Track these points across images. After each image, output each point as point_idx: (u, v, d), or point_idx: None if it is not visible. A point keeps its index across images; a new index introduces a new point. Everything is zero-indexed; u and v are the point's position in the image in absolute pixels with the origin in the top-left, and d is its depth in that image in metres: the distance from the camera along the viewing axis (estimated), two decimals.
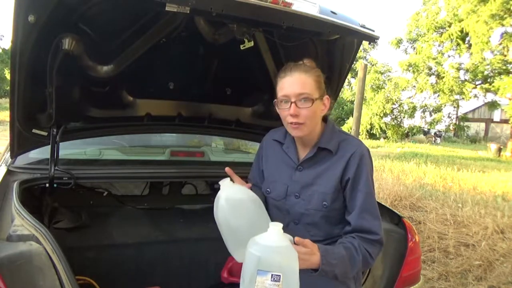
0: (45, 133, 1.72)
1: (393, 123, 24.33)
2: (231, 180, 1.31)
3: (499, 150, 18.20)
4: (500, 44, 17.75)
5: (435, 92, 21.00)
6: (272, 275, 1.00)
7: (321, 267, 1.12)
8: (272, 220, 1.43)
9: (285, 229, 1.35)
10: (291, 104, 1.25)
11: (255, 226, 1.13)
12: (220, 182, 1.26)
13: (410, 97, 23.01)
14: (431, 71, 20.93)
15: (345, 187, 1.30)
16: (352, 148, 1.31)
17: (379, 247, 1.28)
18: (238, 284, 1.11)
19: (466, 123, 26.05)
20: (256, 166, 1.55)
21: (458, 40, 19.07)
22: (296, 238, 1.07)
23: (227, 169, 1.35)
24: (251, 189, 1.38)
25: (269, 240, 1.04)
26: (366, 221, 1.26)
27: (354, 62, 2.04)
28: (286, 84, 1.27)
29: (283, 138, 1.44)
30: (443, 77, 19.84)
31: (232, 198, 1.24)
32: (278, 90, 1.30)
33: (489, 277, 3.18)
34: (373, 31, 1.54)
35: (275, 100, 1.33)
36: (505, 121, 24.98)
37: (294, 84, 1.25)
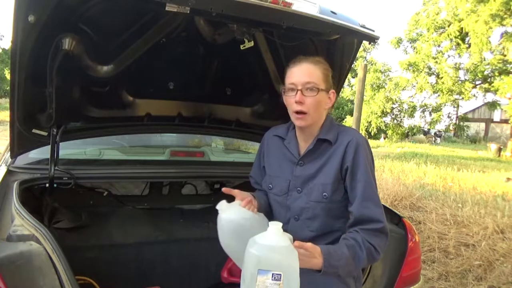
0: (45, 133, 1.72)
1: (393, 123, 24.33)
2: (230, 200, 1.32)
3: (499, 150, 18.19)
4: (500, 44, 17.75)
5: (435, 92, 21.01)
6: (272, 274, 1.01)
7: (323, 270, 1.12)
8: (274, 216, 1.43)
9: (286, 226, 1.35)
10: (297, 91, 1.29)
11: None
12: (217, 206, 1.27)
13: (410, 97, 23.04)
14: (431, 70, 20.94)
15: (345, 177, 1.31)
16: (349, 137, 1.33)
17: (384, 238, 1.27)
18: (238, 284, 1.11)
19: (466, 123, 26.04)
20: (257, 163, 1.56)
21: (458, 40, 19.08)
22: (296, 243, 1.06)
23: (224, 189, 1.35)
24: (253, 195, 1.40)
25: (269, 240, 1.04)
26: (367, 210, 1.26)
27: (354, 62, 2.04)
28: (294, 73, 1.31)
29: (285, 134, 1.46)
30: (442, 77, 19.85)
31: (228, 222, 1.26)
32: (286, 78, 1.35)
33: (489, 277, 3.18)
34: (373, 31, 1.55)
35: (283, 88, 1.37)
36: (505, 121, 25.01)
37: (302, 73, 1.30)
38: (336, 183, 1.31)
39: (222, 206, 1.28)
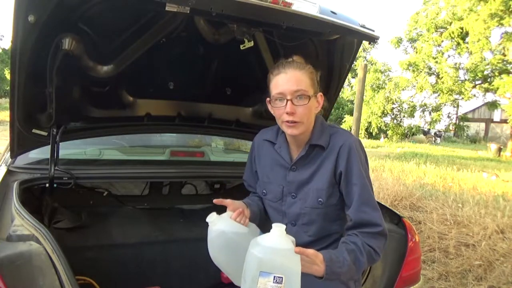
0: (45, 133, 1.72)
1: (393, 123, 24.32)
2: (222, 210, 1.30)
3: (499, 150, 18.19)
4: (500, 44, 17.76)
5: (434, 92, 21.01)
6: (274, 277, 1.00)
7: (325, 277, 1.11)
8: (271, 221, 1.43)
9: None
10: (287, 102, 1.22)
11: (240, 260, 1.13)
12: (207, 219, 1.25)
13: (410, 97, 23.03)
14: (431, 70, 20.94)
15: (339, 181, 1.29)
16: (341, 141, 1.29)
17: (383, 240, 1.26)
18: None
19: (466, 123, 26.03)
20: (249, 167, 1.53)
21: (458, 39, 19.07)
22: (296, 249, 1.05)
23: (215, 200, 1.29)
24: (246, 204, 1.37)
25: (272, 242, 1.03)
26: (365, 214, 1.24)
27: (354, 62, 2.04)
28: (281, 81, 1.24)
29: (274, 138, 1.42)
30: (442, 77, 19.85)
31: (218, 235, 1.24)
32: (272, 87, 1.27)
33: (489, 277, 3.18)
34: (373, 31, 1.54)
35: (268, 98, 1.30)
36: (505, 121, 24.94)
37: (290, 81, 1.23)
38: (331, 188, 1.29)
39: (212, 218, 1.25)
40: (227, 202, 1.29)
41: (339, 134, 1.33)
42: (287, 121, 1.24)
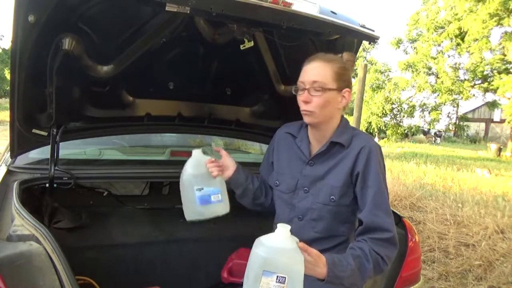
0: (45, 133, 1.72)
1: (392, 123, 24.31)
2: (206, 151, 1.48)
3: (499, 150, 18.19)
4: (500, 43, 17.76)
5: (434, 92, 21.00)
6: (277, 276, 1.00)
7: (327, 279, 1.10)
8: (277, 213, 1.44)
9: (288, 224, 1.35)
10: (304, 90, 1.28)
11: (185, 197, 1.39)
12: (193, 151, 1.44)
13: (410, 97, 23.03)
14: (431, 70, 20.94)
15: (355, 183, 1.29)
16: (362, 143, 1.31)
17: (393, 248, 1.25)
18: (238, 284, 1.11)
19: (466, 123, 26.03)
20: (266, 159, 1.55)
21: (458, 39, 19.06)
22: (300, 244, 1.05)
23: (215, 147, 1.49)
24: (241, 169, 1.49)
25: (276, 242, 1.03)
26: (377, 218, 1.24)
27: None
28: (304, 71, 1.30)
29: (297, 132, 1.44)
30: (441, 77, 19.85)
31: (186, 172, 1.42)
32: (300, 75, 1.33)
33: (489, 277, 3.18)
34: (373, 31, 1.55)
35: (294, 86, 1.36)
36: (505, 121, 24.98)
37: (311, 71, 1.28)
38: (345, 187, 1.30)
39: (195, 153, 1.44)
40: (223, 152, 1.48)
41: (361, 136, 1.35)
42: (302, 110, 1.30)
